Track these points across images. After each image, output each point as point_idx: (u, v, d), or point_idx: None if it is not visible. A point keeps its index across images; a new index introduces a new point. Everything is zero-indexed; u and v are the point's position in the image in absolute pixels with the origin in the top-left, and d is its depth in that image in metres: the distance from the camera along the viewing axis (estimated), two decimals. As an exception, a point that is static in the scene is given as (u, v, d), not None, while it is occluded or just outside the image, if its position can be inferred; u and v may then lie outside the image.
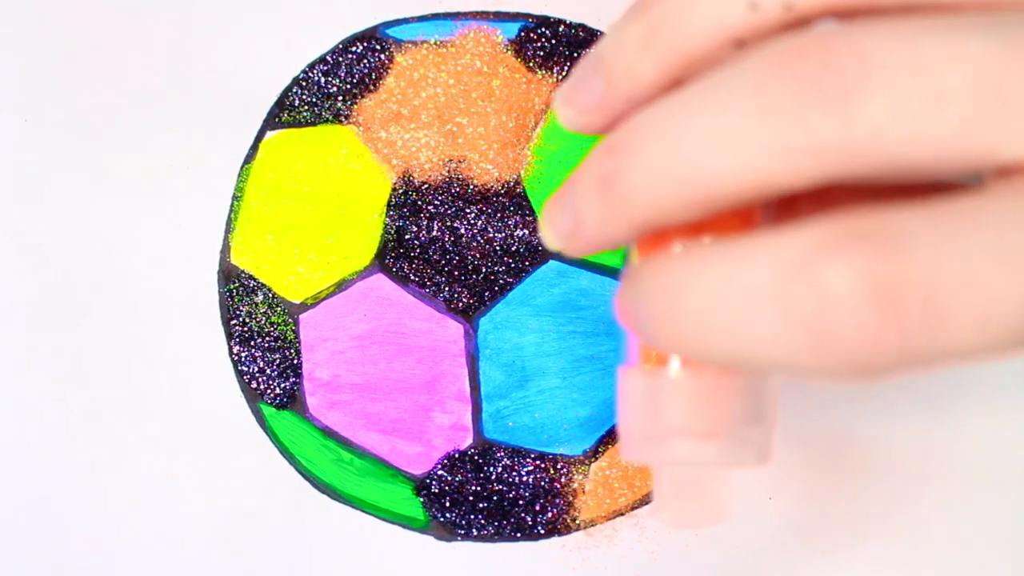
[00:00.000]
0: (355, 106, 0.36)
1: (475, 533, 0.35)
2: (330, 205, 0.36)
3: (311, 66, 0.36)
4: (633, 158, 0.20)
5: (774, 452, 0.24)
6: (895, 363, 0.18)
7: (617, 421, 0.26)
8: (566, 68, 0.36)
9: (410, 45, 0.36)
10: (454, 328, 0.35)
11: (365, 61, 0.36)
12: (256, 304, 0.36)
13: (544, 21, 0.36)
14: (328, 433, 0.35)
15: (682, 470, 0.25)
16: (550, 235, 0.23)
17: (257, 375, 0.36)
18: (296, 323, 0.36)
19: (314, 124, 0.36)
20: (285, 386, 0.36)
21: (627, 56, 0.22)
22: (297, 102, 0.36)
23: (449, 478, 0.35)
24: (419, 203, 0.36)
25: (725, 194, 0.19)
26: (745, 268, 0.18)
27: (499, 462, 0.35)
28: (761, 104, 0.18)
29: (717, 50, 0.20)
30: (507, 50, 0.36)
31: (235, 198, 0.36)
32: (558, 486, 0.35)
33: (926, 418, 0.35)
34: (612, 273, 0.35)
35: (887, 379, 0.18)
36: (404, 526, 0.35)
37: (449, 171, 0.36)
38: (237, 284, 0.36)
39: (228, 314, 0.36)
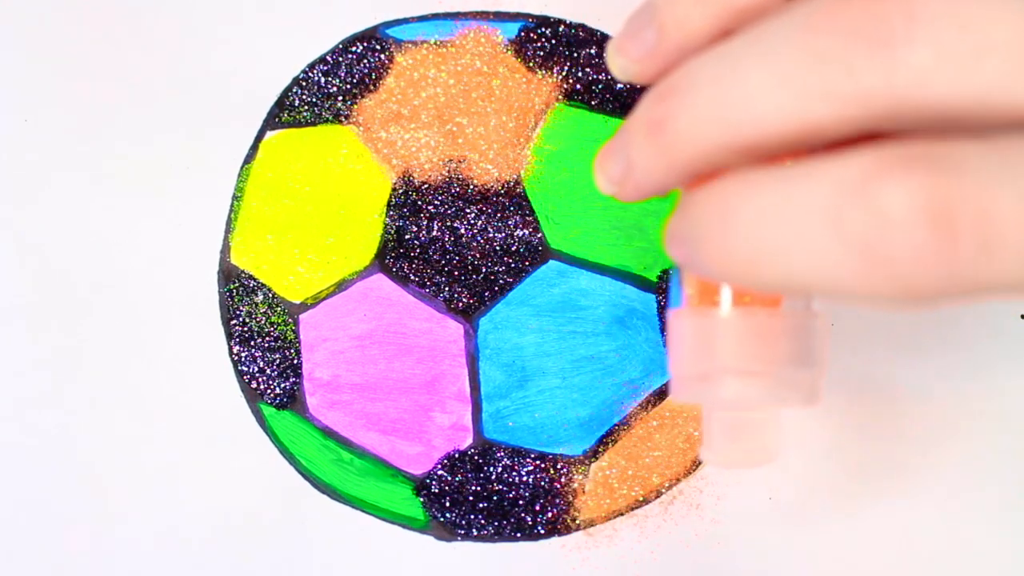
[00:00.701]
0: (355, 106, 0.36)
1: (475, 533, 0.35)
2: (330, 205, 0.36)
3: (311, 66, 0.36)
4: (683, 103, 0.21)
5: (822, 395, 0.24)
6: (944, 288, 0.18)
7: (668, 364, 0.26)
8: (566, 68, 0.36)
9: (410, 45, 0.36)
10: (454, 328, 0.35)
11: (365, 61, 0.36)
12: (256, 304, 0.36)
13: (544, 21, 0.36)
14: (328, 433, 0.35)
15: (730, 411, 0.25)
16: (602, 181, 0.24)
17: (257, 375, 0.36)
18: (296, 323, 0.36)
19: (314, 124, 0.36)
20: (285, 386, 0.36)
21: (680, 6, 0.22)
22: (297, 102, 0.36)
23: (449, 478, 0.35)
24: (419, 203, 0.36)
25: (771, 139, 0.20)
26: (801, 189, 0.19)
27: (499, 462, 0.35)
28: (809, 51, 0.19)
29: (766, 1, 0.21)
30: (507, 50, 0.36)
31: (235, 198, 0.36)
32: (558, 486, 0.35)
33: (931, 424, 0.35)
34: (611, 273, 0.35)
35: (932, 306, 0.18)
36: (404, 526, 0.35)
37: (449, 171, 0.36)
38: (237, 284, 0.36)
39: (228, 314, 0.36)
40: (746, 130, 0.20)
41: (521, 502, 0.35)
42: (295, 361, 0.36)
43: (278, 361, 0.36)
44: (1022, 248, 0.17)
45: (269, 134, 0.36)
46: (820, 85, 0.19)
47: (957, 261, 0.17)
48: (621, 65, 0.24)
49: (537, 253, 0.36)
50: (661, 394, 0.35)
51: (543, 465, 0.35)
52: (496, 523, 0.35)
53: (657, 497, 0.35)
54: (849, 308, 0.35)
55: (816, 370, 0.24)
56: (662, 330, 0.35)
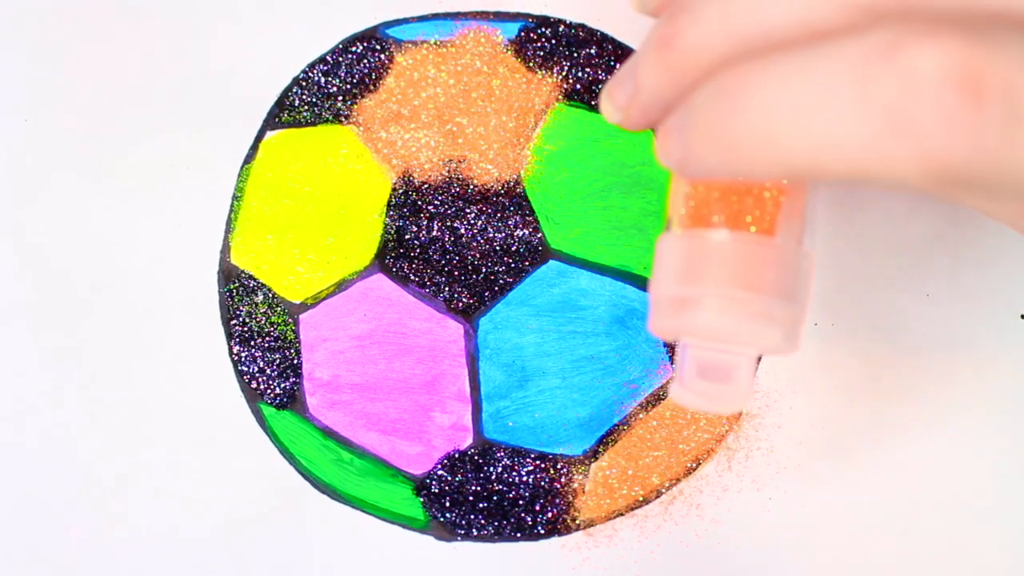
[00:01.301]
0: (355, 106, 0.36)
1: (475, 533, 0.35)
2: (330, 205, 0.36)
3: (311, 66, 0.36)
4: (692, 19, 0.20)
5: (800, 342, 0.24)
6: (967, 160, 0.17)
7: (650, 290, 0.25)
8: (566, 68, 0.36)
9: (410, 45, 0.36)
10: (454, 328, 0.35)
11: (365, 61, 0.36)
12: (256, 304, 0.36)
13: (544, 21, 0.36)
14: (328, 433, 0.35)
15: (707, 340, 0.24)
16: (608, 110, 0.24)
17: (257, 375, 0.36)
18: (296, 323, 0.36)
19: (314, 124, 0.36)
20: (285, 386, 0.35)
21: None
22: (297, 102, 0.36)
23: (449, 478, 0.35)
24: (419, 203, 0.36)
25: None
26: (824, 58, 0.18)
27: (499, 462, 0.35)
28: None
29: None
30: (507, 50, 0.36)
31: (235, 198, 0.36)
32: (558, 486, 0.35)
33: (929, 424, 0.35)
34: (611, 273, 0.35)
35: (952, 185, 0.18)
36: (404, 526, 0.35)
37: (449, 171, 0.36)
38: (237, 284, 0.36)
39: (228, 314, 0.36)
40: (755, 38, 0.19)
41: (521, 502, 0.35)
42: (295, 361, 0.36)
43: (278, 361, 0.36)
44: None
45: (269, 134, 0.36)
46: None
47: (984, 132, 0.17)
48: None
49: (537, 253, 0.36)
50: (661, 394, 0.35)
51: (543, 465, 0.35)
52: (496, 523, 0.35)
53: (657, 497, 0.35)
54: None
55: (798, 309, 0.24)
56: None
